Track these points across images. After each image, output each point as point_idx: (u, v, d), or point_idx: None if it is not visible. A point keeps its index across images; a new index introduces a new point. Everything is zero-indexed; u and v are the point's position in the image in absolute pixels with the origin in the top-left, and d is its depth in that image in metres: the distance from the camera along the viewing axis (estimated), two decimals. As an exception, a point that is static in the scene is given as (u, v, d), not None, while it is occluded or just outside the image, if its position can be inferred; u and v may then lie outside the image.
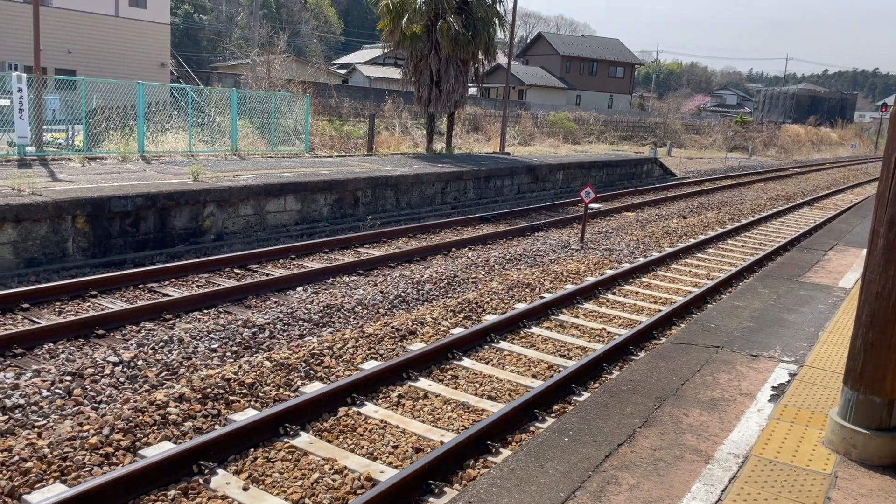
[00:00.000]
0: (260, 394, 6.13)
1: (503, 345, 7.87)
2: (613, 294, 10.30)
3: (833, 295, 7.46)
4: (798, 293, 7.45)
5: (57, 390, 5.87)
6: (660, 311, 9.40)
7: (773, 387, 4.75)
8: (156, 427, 5.37)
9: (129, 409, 5.51)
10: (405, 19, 21.32)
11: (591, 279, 10.80)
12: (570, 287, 10.24)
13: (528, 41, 79.69)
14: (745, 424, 4.14)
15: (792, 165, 40.50)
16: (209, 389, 5.96)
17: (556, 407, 6.32)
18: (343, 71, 59.62)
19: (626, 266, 11.73)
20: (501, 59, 42.11)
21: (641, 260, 12.37)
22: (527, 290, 10.09)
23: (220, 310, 8.47)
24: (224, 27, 72.19)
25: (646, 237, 14.66)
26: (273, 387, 6.27)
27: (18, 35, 25.13)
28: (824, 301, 7.19)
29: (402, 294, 9.43)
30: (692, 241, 14.49)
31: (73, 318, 7.65)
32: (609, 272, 11.32)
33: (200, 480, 4.79)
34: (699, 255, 13.53)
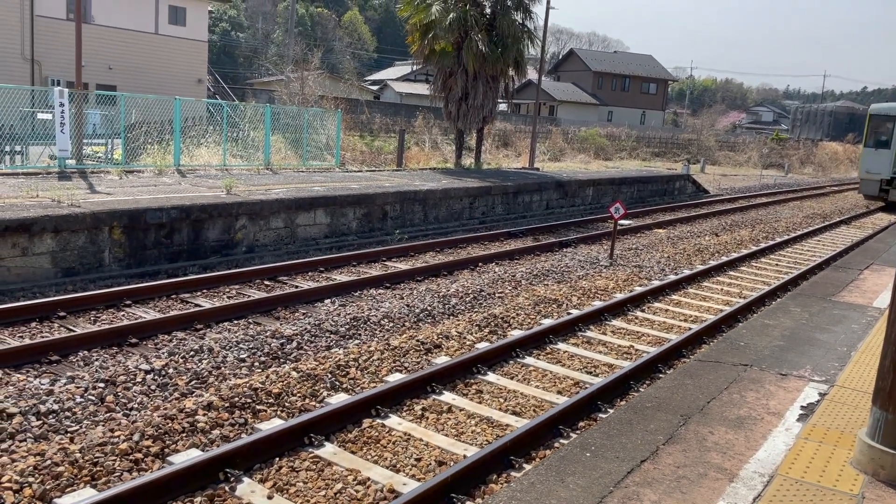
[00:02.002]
0: (286, 404, 6.19)
1: (528, 360, 7.84)
2: (642, 311, 10.21)
3: (867, 314, 7.31)
4: (831, 312, 7.31)
5: (90, 397, 6.01)
6: (690, 329, 9.29)
7: (801, 406, 4.67)
8: (184, 434, 5.47)
9: (158, 417, 5.62)
10: (432, 35, 21.52)
11: (619, 296, 10.71)
12: (597, 303, 10.18)
13: (560, 57, 79.74)
14: (772, 443, 4.08)
15: (829, 183, 39.76)
16: (237, 398, 6.05)
17: (580, 424, 6.28)
18: (375, 87, 60.32)
19: (656, 283, 11.62)
20: (533, 75, 42.21)
21: (672, 277, 12.24)
22: (553, 305, 10.05)
23: (250, 320, 8.60)
24: (260, 44, 73.62)
25: (676, 254, 14.51)
26: (299, 397, 6.34)
27: (62, 52, 25.93)
28: (858, 321, 7.05)
29: (428, 308, 9.47)
30: (724, 258, 14.30)
31: (107, 326, 7.83)
32: (638, 289, 11.23)
33: (226, 488, 4.86)
34: (731, 273, 13.34)
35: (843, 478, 3.73)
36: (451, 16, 21.24)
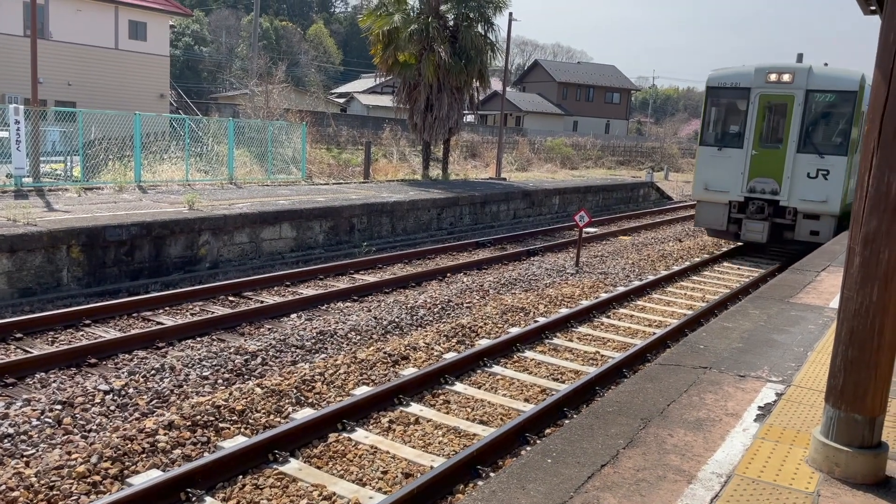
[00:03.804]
0: (250, 420, 6.12)
1: (496, 369, 7.86)
2: (608, 317, 10.31)
3: (824, 315, 7.47)
4: (789, 314, 7.46)
5: (47, 419, 5.87)
6: (654, 333, 9.40)
7: (759, 406, 4.76)
8: (144, 455, 5.36)
9: (118, 438, 5.50)
10: (394, 47, 21.60)
11: (585, 303, 10.81)
12: (564, 311, 10.25)
13: (525, 68, 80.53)
14: (730, 444, 4.14)
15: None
16: (199, 417, 5.95)
17: (547, 431, 6.31)
18: (341, 100, 60.22)
19: (621, 289, 11.74)
20: (498, 86, 42.53)
21: (636, 283, 12.39)
22: (521, 314, 10.09)
23: (213, 337, 8.48)
24: (224, 58, 73.06)
25: (641, 260, 14.69)
26: (264, 413, 6.26)
27: (18, 68, 25.42)
28: (814, 321, 7.20)
29: (396, 320, 9.45)
30: (687, 263, 14.52)
31: (65, 347, 7.65)
32: (604, 295, 11.33)
33: (187, 508, 4.77)
34: (695, 277, 13.55)
35: (799, 476, 3.80)
36: (412, 27, 21.35)
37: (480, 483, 5.27)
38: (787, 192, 14.33)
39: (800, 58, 15.14)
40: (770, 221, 14.64)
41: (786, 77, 14.14)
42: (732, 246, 16.76)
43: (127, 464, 5.21)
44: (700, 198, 15.71)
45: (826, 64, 14.66)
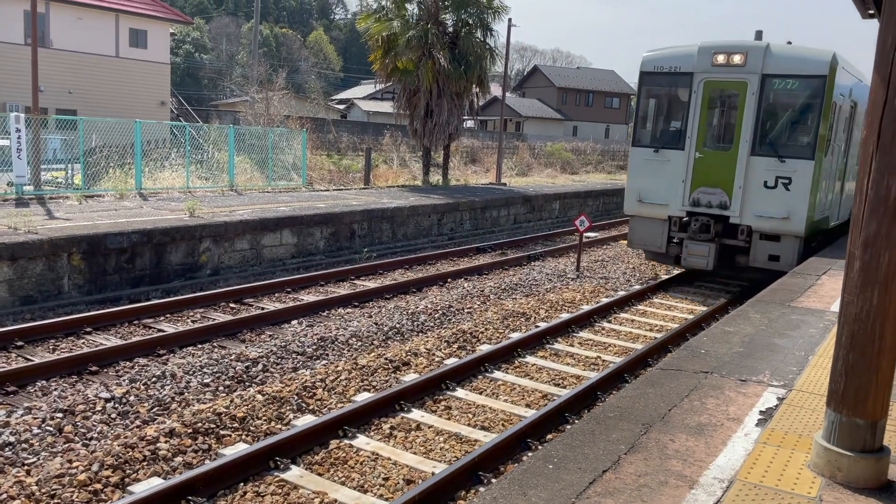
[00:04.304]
0: (251, 427, 6.11)
1: (497, 374, 7.85)
2: (609, 322, 10.30)
3: (825, 319, 7.46)
4: (790, 318, 7.45)
5: (48, 427, 5.86)
6: (655, 338, 9.39)
7: (760, 411, 4.75)
8: (145, 463, 5.36)
9: (119, 445, 5.50)
10: (394, 53, 21.66)
11: (586, 307, 10.80)
12: (565, 316, 10.25)
13: (525, 74, 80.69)
14: (732, 449, 4.13)
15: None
16: (200, 424, 5.95)
17: (549, 436, 6.30)
18: (342, 106, 60.34)
19: (622, 294, 11.74)
20: (498, 91, 42.62)
21: (637, 287, 12.38)
22: (522, 319, 10.09)
23: (214, 344, 8.48)
24: (224, 66, 73.24)
25: (642, 265, 14.68)
26: (265, 420, 6.25)
27: (19, 77, 25.48)
28: (815, 325, 7.19)
29: (397, 325, 9.44)
30: (688, 267, 14.49)
31: (66, 355, 7.65)
32: (605, 300, 11.33)
33: (188, 516, 4.76)
34: (697, 281, 13.53)
35: (801, 481, 3.79)
36: (410, 33, 21.40)
37: (482, 489, 5.26)
38: (738, 205, 11.32)
39: (758, 35, 11.85)
40: (718, 243, 11.65)
41: (736, 58, 11.09)
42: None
43: (128, 472, 5.21)
44: (634, 212, 12.52)
45: (790, 42, 11.64)
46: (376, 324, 9.41)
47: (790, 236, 11.23)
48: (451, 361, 8.03)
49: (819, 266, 8.94)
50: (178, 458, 5.48)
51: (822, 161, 11.10)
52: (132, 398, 6.56)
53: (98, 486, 4.99)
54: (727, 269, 12.33)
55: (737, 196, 11.35)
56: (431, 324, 9.75)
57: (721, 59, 11.29)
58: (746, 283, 12.62)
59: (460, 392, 7.27)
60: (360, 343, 8.71)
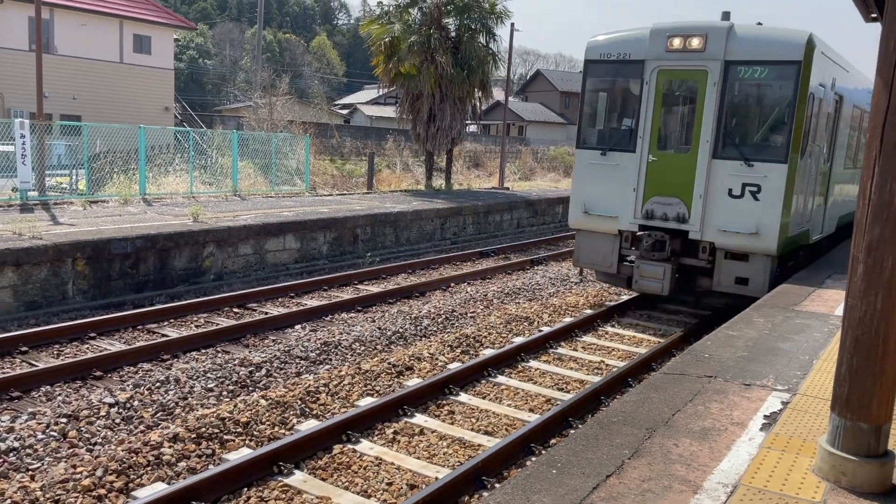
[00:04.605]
0: (255, 432, 6.11)
1: (501, 379, 7.84)
2: (612, 326, 10.29)
3: (829, 323, 7.45)
4: (793, 322, 7.44)
5: (52, 433, 5.88)
6: (659, 342, 9.38)
7: (765, 416, 4.74)
8: (149, 468, 5.36)
9: (123, 451, 5.51)
10: (397, 58, 21.71)
11: (589, 312, 10.79)
12: (568, 320, 10.24)
13: (528, 78, 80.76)
14: (736, 454, 4.13)
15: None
16: (204, 429, 5.96)
17: (552, 441, 6.29)
18: (345, 111, 60.46)
19: (626, 298, 11.72)
20: (500, 95, 42.68)
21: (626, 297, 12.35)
22: (525, 323, 10.08)
23: (218, 349, 8.49)
24: (228, 71, 73.46)
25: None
26: (268, 425, 6.26)
27: (24, 83, 25.61)
28: (819, 329, 7.17)
29: (400, 330, 9.44)
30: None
31: (70, 360, 7.67)
32: (608, 304, 11.32)
33: (192, 521, 4.76)
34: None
35: (806, 485, 3.78)
36: (413, 38, 21.46)
37: (486, 494, 5.26)
38: (698, 218, 9.52)
39: (725, 16, 9.80)
40: (675, 263, 9.82)
41: (695, 42, 9.33)
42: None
43: (132, 477, 5.21)
44: (579, 225, 10.60)
45: (760, 24, 9.87)
46: (379, 328, 9.41)
47: (760, 255, 9.39)
48: (455, 366, 8.02)
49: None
50: (182, 464, 5.48)
51: (797, 164, 9.27)
52: (136, 403, 6.58)
53: (102, 491, 5.00)
54: (687, 293, 10.49)
55: (696, 207, 9.51)
56: (434, 328, 9.75)
57: (677, 43, 9.46)
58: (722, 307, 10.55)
59: (463, 397, 7.27)
60: (363, 348, 8.71)
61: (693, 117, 9.66)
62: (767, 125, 9.48)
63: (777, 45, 9.08)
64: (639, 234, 10.00)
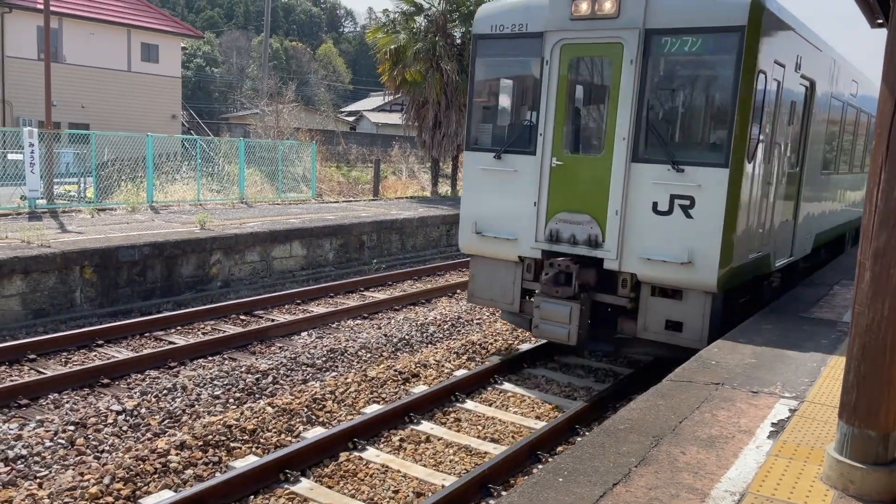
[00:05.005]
0: (261, 440, 6.12)
1: (507, 386, 7.83)
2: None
3: (837, 329, 7.41)
4: (802, 328, 7.40)
5: (60, 440, 5.90)
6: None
7: (772, 423, 4.72)
8: (156, 475, 5.38)
9: (130, 458, 5.53)
10: (402, 65, 21.79)
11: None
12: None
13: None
14: (743, 461, 4.11)
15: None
16: (211, 436, 5.97)
17: (559, 448, 6.27)
18: (351, 118, 60.63)
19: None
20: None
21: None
22: (531, 330, 10.06)
23: (225, 356, 8.51)
24: (235, 79, 73.83)
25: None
26: (275, 432, 6.27)
27: (33, 92, 25.81)
28: (828, 336, 7.14)
29: (406, 337, 9.45)
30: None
31: (78, 367, 7.71)
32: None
33: (199, 529, 4.77)
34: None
35: (814, 494, 3.76)
36: (418, 45, 21.53)
37: (492, 502, 5.25)
38: (615, 241, 7.33)
39: None
40: (586, 301, 7.51)
41: (607, 6, 7.19)
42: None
43: (139, 484, 5.23)
44: (472, 249, 8.40)
45: None
46: (385, 335, 9.42)
47: (696, 291, 7.12)
48: (461, 373, 8.02)
49: (831, 276, 7.81)
50: (189, 471, 5.49)
51: (743, 168, 6.96)
52: (143, 411, 6.60)
53: (109, 498, 5.02)
54: (604, 340, 8.02)
55: (612, 227, 7.30)
56: (441, 335, 9.75)
57: (584, 7, 7.28)
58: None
59: (470, 404, 7.26)
60: (369, 355, 8.72)
61: (605, 107, 7.49)
62: (703, 116, 7.38)
63: (713, 6, 6.82)
64: (544, 256, 7.77)
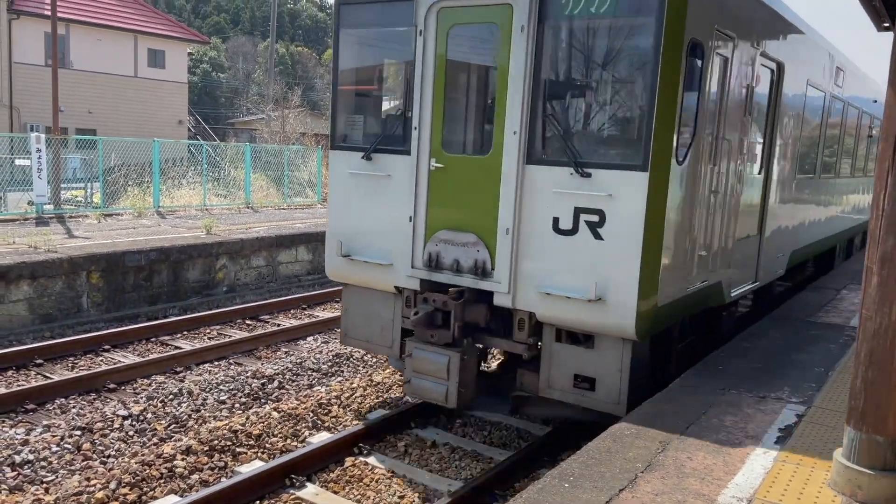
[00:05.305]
0: (267, 445, 6.12)
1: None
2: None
3: (844, 334, 7.38)
4: (808, 333, 7.37)
5: (66, 445, 5.92)
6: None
7: (779, 428, 4.69)
8: (162, 480, 5.38)
9: (136, 463, 5.54)
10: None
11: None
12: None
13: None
14: (750, 467, 4.09)
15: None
16: (216, 441, 5.97)
17: (563, 454, 6.25)
18: (356, 123, 60.70)
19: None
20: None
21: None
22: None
23: (231, 361, 8.53)
24: (241, 84, 74.13)
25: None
26: (280, 437, 6.27)
27: (40, 97, 25.97)
28: (835, 340, 7.11)
29: (412, 342, 9.43)
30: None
31: (85, 372, 7.73)
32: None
33: (205, 534, 4.77)
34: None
35: (822, 500, 3.73)
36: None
37: (498, 507, 5.23)
38: (507, 269, 5.68)
39: None
40: (469, 350, 5.92)
41: None
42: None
43: (145, 489, 5.23)
44: (341, 275, 6.68)
45: None
46: (391, 340, 9.40)
47: (611, 338, 5.43)
48: (467, 378, 7.98)
49: (838, 280, 7.34)
50: (195, 476, 5.50)
51: (670, 171, 5.23)
52: (149, 415, 6.61)
53: (116, 503, 5.02)
54: (502, 396, 6.65)
55: (503, 250, 5.62)
56: (446, 340, 9.73)
57: None
58: None
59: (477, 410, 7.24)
60: (375, 360, 8.71)
61: (492, 91, 5.87)
62: (615, 101, 5.53)
63: None
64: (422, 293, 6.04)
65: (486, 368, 7.29)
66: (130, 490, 5.18)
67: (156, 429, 6.39)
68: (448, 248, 5.87)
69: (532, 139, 5.47)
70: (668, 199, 5.22)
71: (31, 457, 5.67)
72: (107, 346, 8.75)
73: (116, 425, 6.35)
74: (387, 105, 6.69)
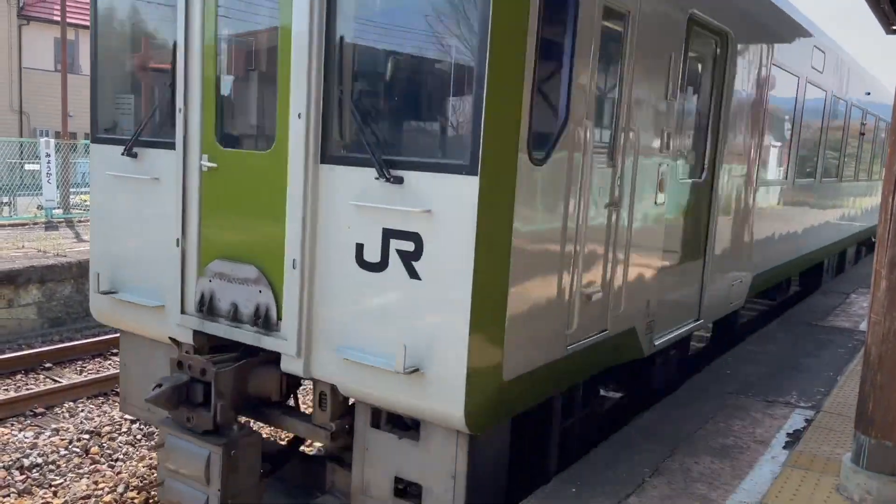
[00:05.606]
0: (274, 449, 6.12)
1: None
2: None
3: (853, 338, 7.34)
4: (817, 337, 7.34)
5: (75, 449, 5.94)
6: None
7: (788, 433, 4.67)
8: (170, 484, 5.39)
9: (144, 467, 5.55)
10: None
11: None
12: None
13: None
14: (758, 472, 4.07)
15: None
16: (223, 445, 5.98)
17: (571, 458, 6.23)
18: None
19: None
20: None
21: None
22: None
23: (238, 365, 8.53)
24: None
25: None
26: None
27: (50, 103, 26.17)
28: (844, 345, 7.07)
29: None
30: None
31: (93, 376, 7.76)
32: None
33: (212, 538, 4.77)
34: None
35: (830, 504, 3.71)
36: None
37: (505, 512, 5.21)
38: (295, 318, 3.88)
39: None
40: (245, 440, 4.12)
41: None
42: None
43: (152, 493, 5.24)
44: (106, 317, 5.12)
45: None
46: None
47: (437, 427, 3.70)
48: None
49: (847, 285, 7.78)
50: (202, 480, 5.50)
51: (520, 174, 3.53)
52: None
53: (123, 507, 5.04)
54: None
55: (291, 290, 3.93)
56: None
57: None
58: None
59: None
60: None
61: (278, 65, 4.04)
62: (438, 73, 3.87)
63: None
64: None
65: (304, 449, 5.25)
66: (138, 494, 5.20)
67: (163, 432, 6.41)
68: (223, 285, 4.16)
69: (327, 127, 3.78)
70: (515, 216, 3.51)
71: (39, 460, 5.70)
72: (115, 350, 8.77)
73: (124, 429, 6.37)
74: (154, 79, 4.90)
